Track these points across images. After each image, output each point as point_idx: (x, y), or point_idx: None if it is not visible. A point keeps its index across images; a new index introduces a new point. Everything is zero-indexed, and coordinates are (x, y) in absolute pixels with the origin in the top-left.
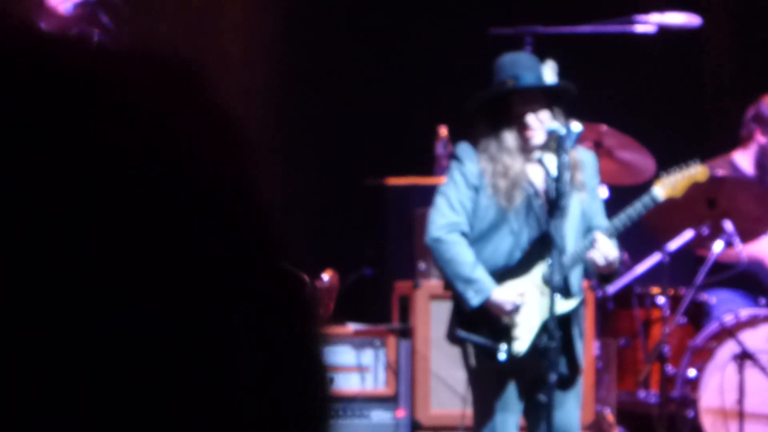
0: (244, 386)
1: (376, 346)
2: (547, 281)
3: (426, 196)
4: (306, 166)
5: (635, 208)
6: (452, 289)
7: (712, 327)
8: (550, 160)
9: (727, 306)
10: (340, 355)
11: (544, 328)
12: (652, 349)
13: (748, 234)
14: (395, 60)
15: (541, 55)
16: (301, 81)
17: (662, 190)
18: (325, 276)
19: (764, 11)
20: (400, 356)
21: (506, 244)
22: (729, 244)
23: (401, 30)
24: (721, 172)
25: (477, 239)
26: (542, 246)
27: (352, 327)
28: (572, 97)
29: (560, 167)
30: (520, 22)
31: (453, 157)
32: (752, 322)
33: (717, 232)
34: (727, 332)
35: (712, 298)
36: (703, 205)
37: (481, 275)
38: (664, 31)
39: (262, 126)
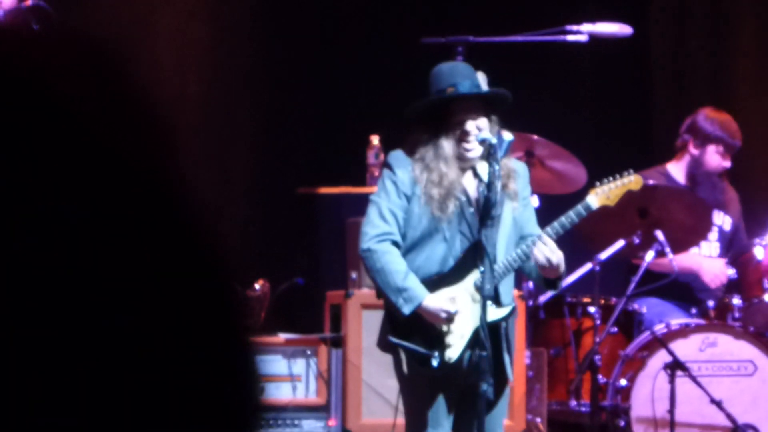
0: (177, 391)
1: (307, 356)
2: (479, 288)
3: (358, 205)
4: (238, 174)
5: (568, 217)
6: (384, 298)
7: (643, 336)
8: (483, 169)
9: (659, 315)
10: (272, 364)
11: (476, 336)
12: (583, 358)
13: (679, 243)
14: (327, 68)
15: (473, 65)
16: (232, 89)
17: (596, 198)
18: (257, 285)
19: (701, 21)
20: (331, 365)
21: (439, 252)
22: (660, 253)
23: (333, 38)
24: (652, 181)
25: (410, 247)
26: (475, 254)
27: (283, 336)
28: (508, 105)
29: (491, 176)
30: (452, 32)
31: (385, 165)
32: (683, 331)
33: (648, 241)
34: (658, 342)
35: (643, 307)
36: (635, 215)
37: (413, 283)
38: (598, 40)
39: (193, 133)
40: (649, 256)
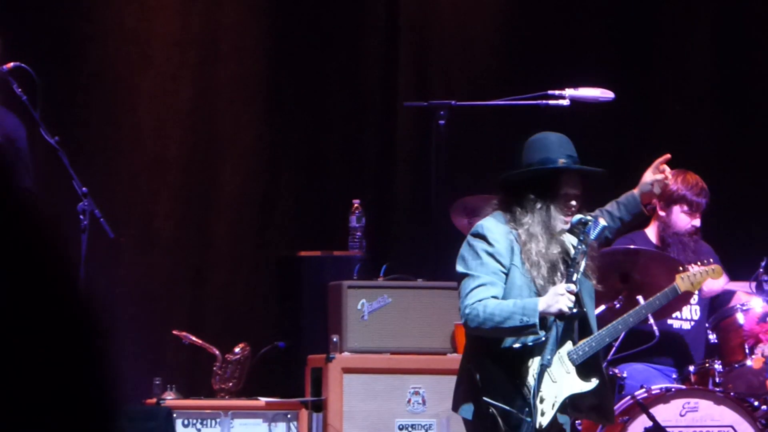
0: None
1: (288, 420)
2: (573, 360)
3: (340, 268)
4: (219, 237)
5: (657, 298)
6: (507, 334)
7: (624, 401)
8: (570, 242)
9: (639, 380)
10: (252, 428)
11: (565, 405)
12: None
13: (661, 308)
14: (309, 132)
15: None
16: (213, 151)
17: (681, 283)
18: (237, 349)
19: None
20: (312, 429)
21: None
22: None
23: (315, 103)
24: (634, 245)
25: None
26: (568, 325)
27: (264, 400)
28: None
29: (577, 253)
30: (433, 96)
31: (477, 236)
32: (664, 396)
33: (630, 306)
34: (639, 406)
35: (624, 372)
36: (616, 279)
37: (520, 302)
38: (582, 105)
39: (176, 197)
40: None
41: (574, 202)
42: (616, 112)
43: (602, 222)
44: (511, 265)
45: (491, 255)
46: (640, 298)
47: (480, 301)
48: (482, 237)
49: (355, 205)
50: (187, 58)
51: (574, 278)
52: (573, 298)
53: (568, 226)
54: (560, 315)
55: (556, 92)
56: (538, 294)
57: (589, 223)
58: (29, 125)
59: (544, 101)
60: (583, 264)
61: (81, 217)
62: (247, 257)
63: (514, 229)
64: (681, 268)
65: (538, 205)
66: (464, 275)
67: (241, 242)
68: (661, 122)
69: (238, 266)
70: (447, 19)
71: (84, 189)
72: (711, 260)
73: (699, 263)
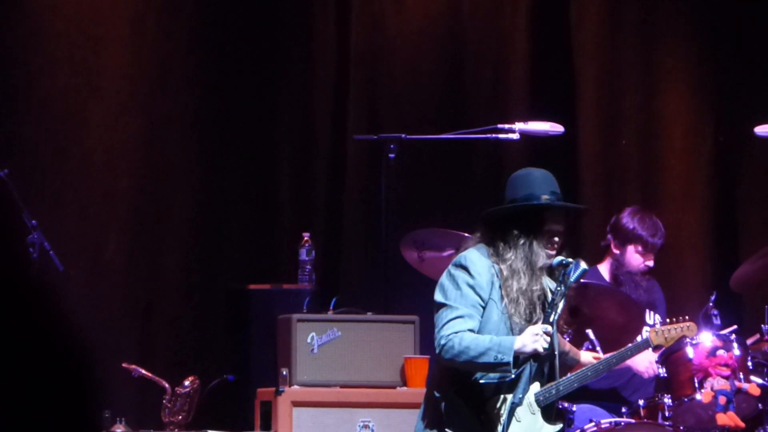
0: None
1: None
2: (539, 401)
3: (289, 301)
4: (169, 270)
5: (629, 349)
6: (480, 369)
7: None
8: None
9: (589, 414)
10: None
11: None
12: None
13: (610, 342)
14: (259, 165)
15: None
16: (164, 185)
17: (655, 336)
18: (186, 382)
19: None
20: None
21: None
22: (591, 352)
23: (264, 135)
24: (583, 279)
25: None
26: (541, 366)
27: None
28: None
29: (556, 295)
30: (384, 129)
31: (459, 266)
32: (613, 430)
33: (579, 340)
34: None
35: (573, 405)
36: (566, 313)
37: (497, 338)
38: (530, 139)
39: (126, 229)
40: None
41: (557, 239)
42: (565, 145)
43: (583, 265)
44: (489, 300)
45: (471, 287)
46: (589, 332)
47: (456, 333)
48: (464, 268)
49: (305, 238)
50: (137, 90)
51: (551, 319)
52: (549, 339)
53: (549, 263)
54: (535, 355)
55: (506, 126)
56: (513, 331)
57: (570, 265)
58: None
59: (494, 135)
60: (561, 306)
61: (30, 249)
62: (197, 290)
63: (496, 264)
64: (656, 324)
65: (522, 241)
66: (442, 305)
67: (191, 275)
68: (612, 155)
69: (188, 299)
70: (397, 51)
71: (33, 222)
72: (687, 317)
73: (675, 319)
